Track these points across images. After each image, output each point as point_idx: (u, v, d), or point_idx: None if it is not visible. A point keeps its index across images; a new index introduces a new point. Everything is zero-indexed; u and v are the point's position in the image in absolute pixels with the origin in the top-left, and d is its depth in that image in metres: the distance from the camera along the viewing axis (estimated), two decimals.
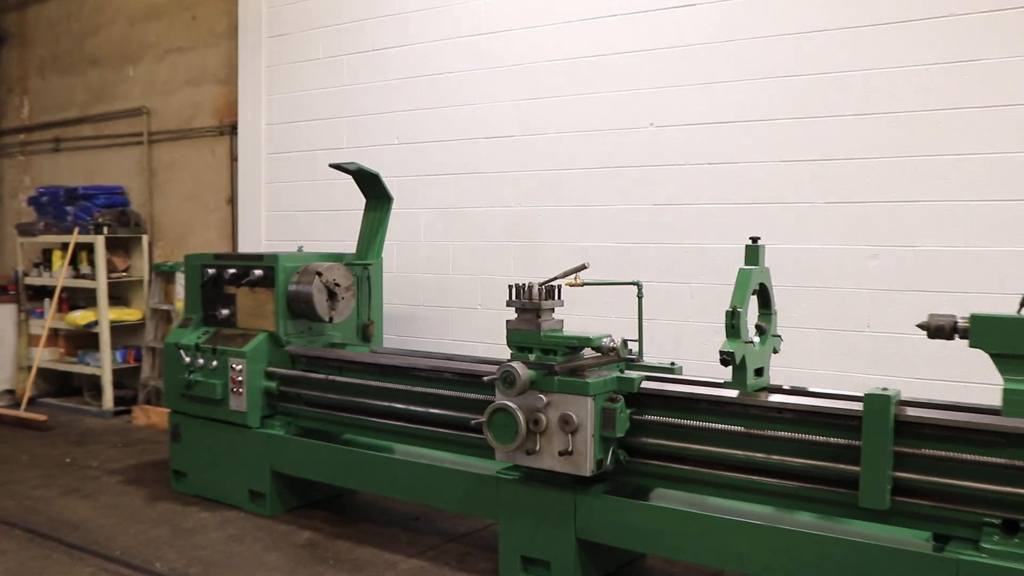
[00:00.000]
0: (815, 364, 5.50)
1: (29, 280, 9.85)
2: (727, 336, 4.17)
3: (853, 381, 5.32)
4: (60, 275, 9.33)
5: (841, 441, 3.94)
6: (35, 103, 11.07)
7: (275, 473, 5.92)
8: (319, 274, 5.90)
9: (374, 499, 6.28)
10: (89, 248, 9.28)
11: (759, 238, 4.42)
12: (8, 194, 11.49)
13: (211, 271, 6.30)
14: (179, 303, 8.50)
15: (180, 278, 8.40)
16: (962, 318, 3.69)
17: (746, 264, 4.38)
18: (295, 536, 5.59)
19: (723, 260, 5.80)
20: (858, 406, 3.87)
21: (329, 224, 7.78)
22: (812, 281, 5.51)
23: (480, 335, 6.87)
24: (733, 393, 4.26)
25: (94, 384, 9.40)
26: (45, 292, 9.74)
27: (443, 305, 7.12)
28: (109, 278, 9.19)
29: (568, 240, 6.45)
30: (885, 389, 3.82)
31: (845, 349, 5.44)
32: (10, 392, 9.82)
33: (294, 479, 5.95)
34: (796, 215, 5.56)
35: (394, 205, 6.47)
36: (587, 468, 4.35)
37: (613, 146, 6.24)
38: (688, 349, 5.86)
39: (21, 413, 8.90)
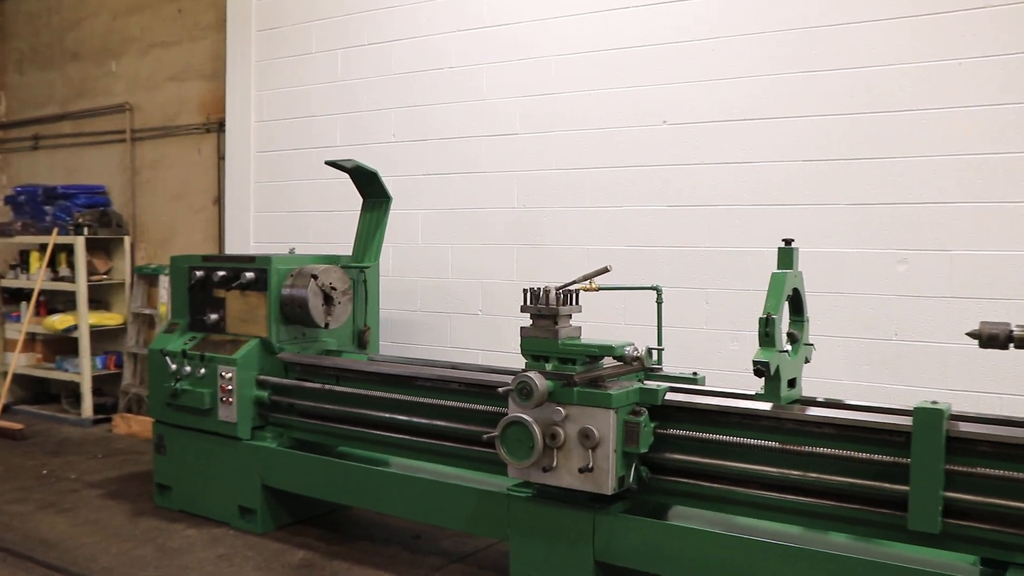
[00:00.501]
0: (837, 374, 5.23)
1: (5, 282, 9.54)
2: (760, 344, 3.89)
3: (879, 392, 5.07)
4: (38, 277, 9.00)
5: (887, 458, 3.66)
6: (13, 99, 10.70)
7: (266, 488, 5.60)
8: (315, 277, 5.59)
9: (371, 515, 5.97)
10: (68, 249, 8.96)
11: (792, 240, 4.15)
12: None
13: (199, 273, 5.97)
14: (162, 307, 8.22)
15: (164, 281, 8.14)
16: (1018, 326, 3.42)
17: (779, 268, 4.10)
18: (288, 555, 5.26)
19: (740, 264, 5.54)
20: (906, 420, 3.59)
21: (321, 226, 7.47)
22: (836, 287, 5.24)
23: (481, 342, 6.58)
24: (767, 406, 3.98)
25: (72, 391, 9.08)
26: (22, 295, 9.41)
27: (442, 310, 6.81)
28: (89, 281, 8.88)
29: (575, 242, 6.16)
30: (935, 402, 3.54)
31: (870, 359, 5.17)
32: None
33: (286, 494, 5.63)
34: (819, 217, 5.29)
35: (391, 205, 6.16)
36: (608, 486, 4.05)
37: (624, 144, 5.96)
38: (702, 357, 5.58)
39: None
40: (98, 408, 8.90)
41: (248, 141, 7.98)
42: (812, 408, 3.98)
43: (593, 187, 6.09)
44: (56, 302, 9.39)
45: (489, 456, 4.61)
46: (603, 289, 4.56)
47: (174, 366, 5.86)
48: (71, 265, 8.92)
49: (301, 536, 5.59)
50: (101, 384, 9.08)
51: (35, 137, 10.35)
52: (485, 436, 4.38)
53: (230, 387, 5.61)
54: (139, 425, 8.21)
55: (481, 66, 6.58)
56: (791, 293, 4.10)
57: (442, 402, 4.93)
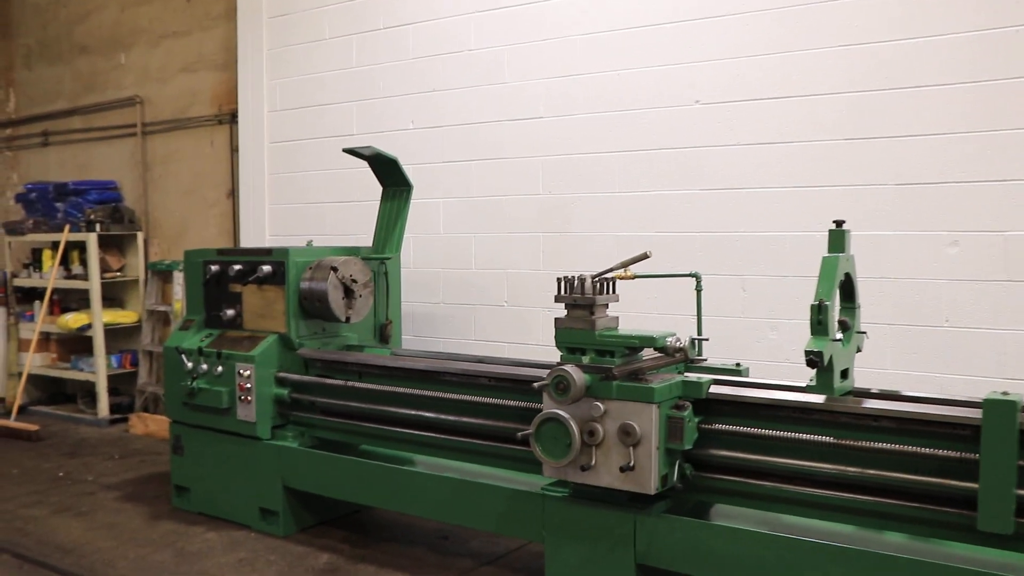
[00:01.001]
0: (884, 364, 4.98)
1: (18, 282, 9.37)
2: (812, 333, 3.64)
3: (929, 382, 4.82)
4: (51, 276, 8.83)
5: (953, 454, 3.41)
6: (21, 95, 10.52)
7: (288, 489, 5.39)
8: (334, 269, 5.37)
9: (396, 516, 5.75)
10: (81, 247, 8.78)
11: (844, 221, 3.90)
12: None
13: (214, 268, 5.76)
14: (177, 304, 8.04)
15: (178, 277, 7.96)
16: None
17: (830, 251, 3.85)
18: (312, 559, 5.06)
19: (779, 249, 5.30)
20: (974, 413, 3.35)
21: (338, 218, 7.26)
22: (882, 272, 4.98)
23: (507, 334, 6.35)
24: (820, 398, 3.74)
25: (88, 391, 8.91)
26: (35, 294, 9.26)
27: (466, 303, 6.58)
28: (102, 278, 8.69)
29: (604, 230, 5.92)
30: (1006, 393, 3.30)
31: (920, 347, 4.91)
32: None
33: (309, 495, 5.42)
34: (863, 199, 5.04)
35: (412, 194, 5.94)
36: (652, 485, 3.82)
37: (654, 126, 5.71)
38: (740, 347, 5.34)
39: (11, 423, 8.36)
40: (114, 408, 8.73)
41: (262, 132, 7.77)
42: (869, 400, 3.74)
43: (622, 171, 5.85)
44: (70, 300, 9.21)
45: (521, 454, 4.41)
46: (639, 277, 4.32)
47: (190, 364, 5.66)
48: (84, 263, 8.75)
49: (325, 538, 5.38)
50: (117, 383, 8.90)
51: (45, 133, 10.18)
52: (520, 434, 4.14)
53: (248, 385, 5.40)
54: (156, 425, 8.03)
55: (502, 48, 6.34)
56: (843, 278, 3.85)
57: (471, 398, 4.70)
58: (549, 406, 4.01)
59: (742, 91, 5.39)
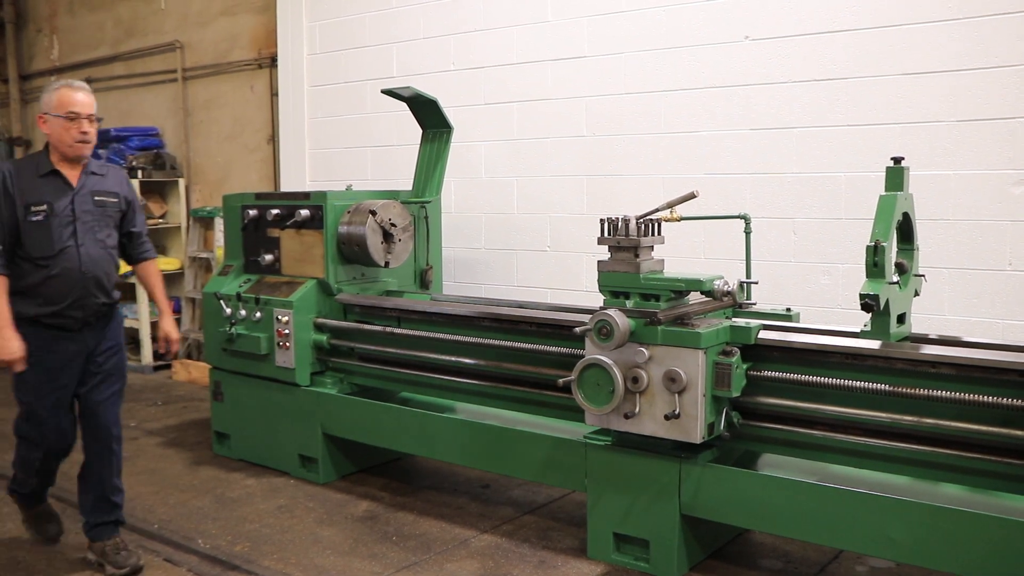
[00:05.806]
0: (941, 309, 4.78)
1: None
2: (868, 276, 3.47)
3: (990, 328, 4.63)
4: None
5: (1016, 403, 3.23)
6: (64, 42, 10.48)
7: (327, 436, 5.34)
8: (373, 213, 5.25)
9: (436, 463, 5.69)
10: None
11: (902, 158, 3.69)
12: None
13: (252, 212, 5.67)
14: (219, 250, 7.97)
15: (219, 224, 7.88)
16: None
17: (887, 189, 3.66)
18: (351, 507, 5.00)
19: (832, 190, 5.09)
20: None
21: (378, 162, 7.13)
22: (942, 213, 4.76)
23: (550, 280, 6.22)
24: (875, 344, 3.57)
25: (132, 338, 8.88)
26: None
27: (507, 247, 6.44)
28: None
29: (649, 172, 5.73)
30: None
31: (980, 292, 4.70)
32: None
33: (349, 442, 5.36)
34: (922, 137, 4.80)
35: (452, 136, 5.78)
36: (697, 434, 3.69)
37: (701, 63, 5.49)
38: (790, 292, 5.17)
39: None
40: (158, 354, 8.70)
41: (301, 76, 7.64)
42: (927, 346, 3.57)
43: (668, 111, 5.65)
44: None
45: (563, 401, 4.30)
46: (686, 219, 4.16)
47: (229, 310, 5.59)
48: None
49: (364, 486, 5.33)
50: None
51: (88, 80, 10.00)
52: (561, 380, 4.02)
53: (287, 331, 5.33)
54: (199, 371, 8.03)
55: None
56: (900, 218, 3.66)
57: (512, 344, 4.58)
58: (592, 352, 3.88)
59: (793, 26, 5.15)
